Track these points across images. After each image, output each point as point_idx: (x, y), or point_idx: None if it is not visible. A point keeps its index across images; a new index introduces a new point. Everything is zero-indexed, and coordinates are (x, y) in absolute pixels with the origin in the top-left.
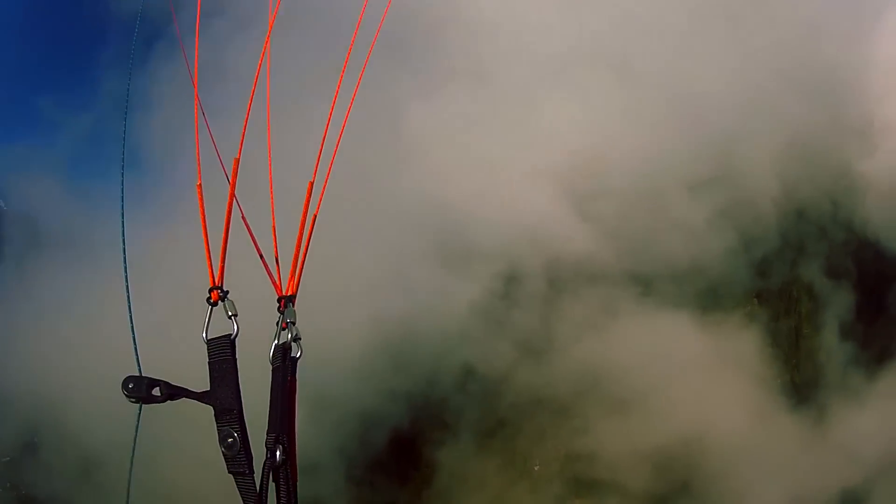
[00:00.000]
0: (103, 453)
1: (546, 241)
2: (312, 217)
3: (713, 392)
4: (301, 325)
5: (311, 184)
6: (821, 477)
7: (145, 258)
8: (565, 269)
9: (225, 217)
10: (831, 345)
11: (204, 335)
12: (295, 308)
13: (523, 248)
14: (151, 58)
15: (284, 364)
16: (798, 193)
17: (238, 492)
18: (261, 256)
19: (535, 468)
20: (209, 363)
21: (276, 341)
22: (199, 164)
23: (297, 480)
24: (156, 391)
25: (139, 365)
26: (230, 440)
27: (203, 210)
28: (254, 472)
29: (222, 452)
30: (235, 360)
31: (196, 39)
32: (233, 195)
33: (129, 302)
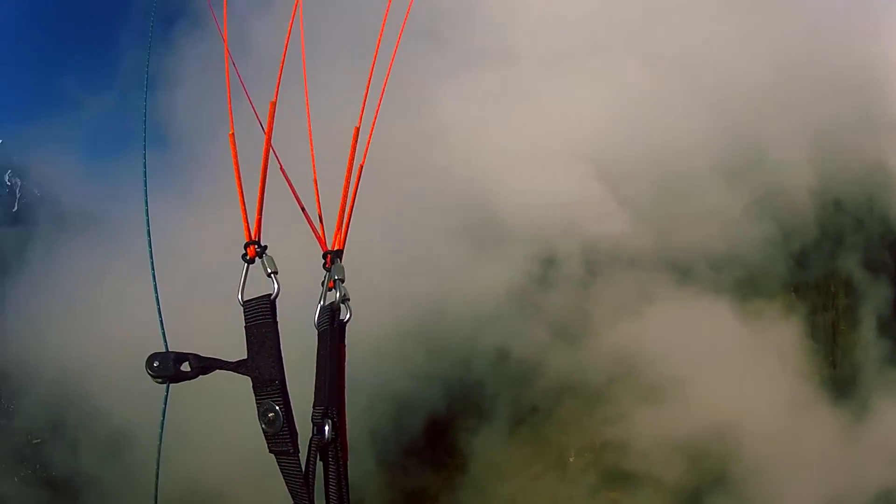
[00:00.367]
0: (133, 432)
1: (582, 223)
2: (360, 165)
3: (750, 383)
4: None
5: (357, 129)
6: (858, 476)
7: (172, 234)
8: (602, 252)
9: (261, 166)
10: (868, 341)
11: (239, 297)
12: (343, 264)
13: (559, 230)
14: (176, 33)
15: (332, 327)
16: (834, 185)
17: (281, 474)
18: (302, 209)
19: (571, 459)
20: (246, 328)
21: (321, 302)
22: (230, 112)
23: (347, 460)
24: (184, 366)
25: (165, 340)
26: (271, 415)
27: (236, 159)
28: (299, 452)
29: (262, 429)
30: (276, 322)
31: None
32: (269, 140)
33: (153, 277)
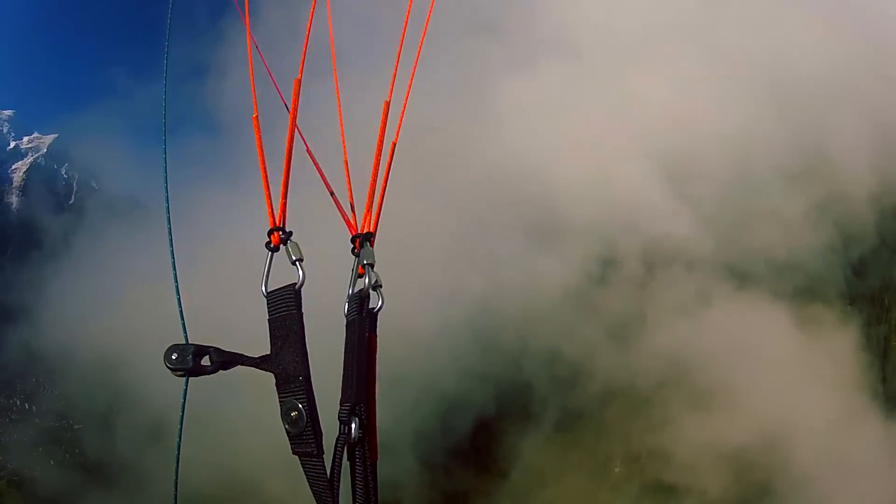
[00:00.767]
0: (172, 420)
1: (644, 222)
2: (392, 143)
3: (803, 394)
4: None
5: (388, 103)
6: None
7: (221, 218)
8: (663, 253)
9: (286, 148)
10: None
11: (263, 287)
12: (373, 249)
13: (619, 228)
14: (225, 23)
15: (362, 316)
16: (895, 191)
17: (305, 477)
18: (331, 193)
19: (616, 469)
20: (269, 320)
21: (351, 289)
22: (254, 95)
23: (377, 460)
24: (205, 360)
25: (185, 331)
26: (294, 414)
27: (260, 142)
28: (323, 454)
29: (285, 429)
30: (301, 314)
31: None
32: (294, 119)
33: (174, 267)
